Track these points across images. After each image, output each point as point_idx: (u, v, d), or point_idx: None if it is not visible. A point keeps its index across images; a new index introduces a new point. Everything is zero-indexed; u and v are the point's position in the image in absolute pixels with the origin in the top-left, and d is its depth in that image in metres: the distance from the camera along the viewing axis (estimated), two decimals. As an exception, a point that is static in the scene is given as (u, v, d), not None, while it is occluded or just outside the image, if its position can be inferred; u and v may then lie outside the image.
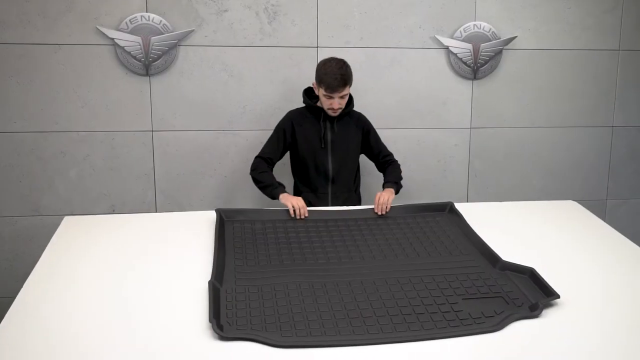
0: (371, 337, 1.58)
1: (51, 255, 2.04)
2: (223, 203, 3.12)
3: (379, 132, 2.86)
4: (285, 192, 2.52)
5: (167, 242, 2.18)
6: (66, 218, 2.40)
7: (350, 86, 2.63)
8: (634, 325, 1.67)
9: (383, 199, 2.42)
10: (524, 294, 1.81)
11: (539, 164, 3.39)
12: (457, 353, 1.52)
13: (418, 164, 3.28)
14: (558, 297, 1.75)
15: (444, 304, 1.76)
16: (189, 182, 3.13)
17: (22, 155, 2.97)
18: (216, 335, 1.55)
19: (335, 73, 2.55)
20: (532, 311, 1.70)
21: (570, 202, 2.73)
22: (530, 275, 1.91)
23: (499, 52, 3.19)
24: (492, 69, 3.21)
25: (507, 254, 2.08)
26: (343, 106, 2.65)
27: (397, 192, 2.62)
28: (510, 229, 2.37)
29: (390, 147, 3.20)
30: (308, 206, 2.46)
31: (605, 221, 2.53)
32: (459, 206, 2.51)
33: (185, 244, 2.17)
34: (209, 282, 1.79)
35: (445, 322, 1.66)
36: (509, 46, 3.19)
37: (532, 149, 3.37)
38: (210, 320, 1.58)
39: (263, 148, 2.75)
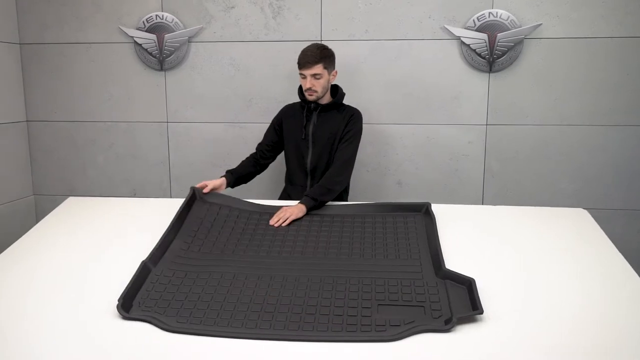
0: (258, 332, 1.56)
1: (39, 230, 2.23)
2: (229, 193, 3.22)
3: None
4: (223, 177, 2.58)
5: (147, 226, 2.21)
6: (70, 198, 2.66)
7: (326, 69, 2.57)
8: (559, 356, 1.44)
9: (283, 213, 2.26)
10: (450, 306, 1.68)
11: (570, 167, 3.03)
12: (339, 357, 1.46)
13: (427, 162, 3.10)
14: (481, 312, 1.61)
15: (355, 307, 1.69)
16: (200, 171, 3.29)
17: (60, 142, 3.35)
18: (120, 315, 1.61)
19: (307, 50, 2.59)
20: (446, 324, 1.59)
21: (579, 210, 2.42)
22: (467, 287, 1.77)
23: (519, 42, 2.89)
24: (512, 61, 2.92)
25: (473, 262, 1.91)
26: (317, 89, 2.58)
27: (315, 209, 2.35)
28: (497, 235, 2.16)
29: (397, 144, 3.07)
30: (287, 199, 2.47)
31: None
32: (458, 207, 2.35)
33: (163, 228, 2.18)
34: (141, 263, 1.87)
35: (343, 326, 1.59)
36: (531, 35, 2.89)
37: (561, 149, 3.01)
38: (118, 299, 1.67)
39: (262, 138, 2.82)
